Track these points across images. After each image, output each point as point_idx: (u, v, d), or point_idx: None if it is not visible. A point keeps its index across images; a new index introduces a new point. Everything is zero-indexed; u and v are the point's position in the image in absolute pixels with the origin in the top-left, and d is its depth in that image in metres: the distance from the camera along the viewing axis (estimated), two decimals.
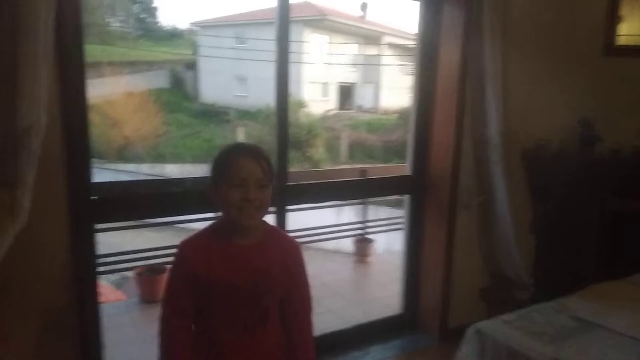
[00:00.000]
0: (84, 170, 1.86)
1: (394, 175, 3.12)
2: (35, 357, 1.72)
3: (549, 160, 2.78)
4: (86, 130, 1.87)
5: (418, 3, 2.74)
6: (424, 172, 2.87)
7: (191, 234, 1.38)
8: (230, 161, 1.29)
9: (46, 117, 1.44)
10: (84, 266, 1.83)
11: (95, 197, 1.91)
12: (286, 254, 1.39)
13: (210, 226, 1.38)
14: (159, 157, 15.46)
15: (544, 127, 2.88)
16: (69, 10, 1.75)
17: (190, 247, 1.33)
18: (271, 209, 2.45)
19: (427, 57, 2.76)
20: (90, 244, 1.92)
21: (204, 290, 1.29)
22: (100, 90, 14.36)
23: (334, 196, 3.06)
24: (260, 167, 1.28)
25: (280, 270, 1.35)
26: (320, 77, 20.17)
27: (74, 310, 1.78)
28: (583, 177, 2.70)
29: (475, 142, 2.75)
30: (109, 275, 5.86)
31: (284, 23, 2.31)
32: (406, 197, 2.97)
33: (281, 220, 2.48)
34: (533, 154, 2.80)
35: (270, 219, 2.46)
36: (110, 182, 3.01)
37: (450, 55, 2.67)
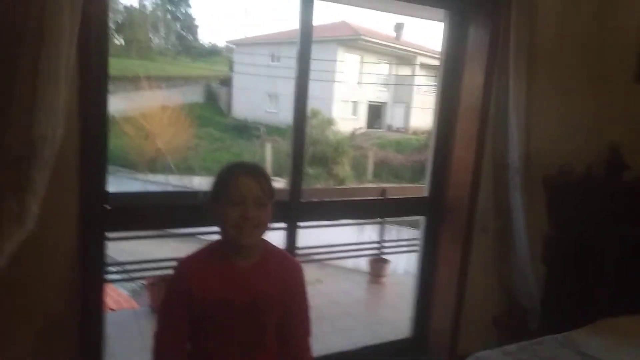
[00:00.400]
0: (99, 179, 1.91)
1: (411, 196, 3.08)
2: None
3: (572, 187, 2.69)
4: (104, 140, 1.91)
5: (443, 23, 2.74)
6: (442, 193, 2.82)
7: (191, 251, 1.39)
8: (229, 179, 1.30)
9: (63, 129, 1.49)
10: (92, 273, 1.87)
11: (108, 206, 1.96)
12: (287, 274, 1.37)
13: (210, 245, 1.38)
14: (188, 170, 15.78)
15: (569, 152, 2.79)
16: (94, 24, 1.82)
17: (187, 265, 1.33)
18: (282, 225, 2.48)
19: (450, 77, 2.74)
20: (100, 252, 1.95)
21: (200, 310, 1.27)
22: (138, 103, 14.87)
23: (349, 215, 3.04)
24: (259, 186, 1.28)
25: (280, 291, 1.34)
26: (351, 95, 20.29)
27: (77, 316, 1.80)
28: (608, 206, 2.60)
29: (495, 165, 2.69)
30: (127, 284, 5.97)
31: (305, 42, 2.33)
32: (422, 219, 2.92)
33: (291, 236, 2.47)
34: (555, 180, 2.71)
35: (279, 235, 2.49)
36: (126, 192, 3.08)
37: (474, 76, 2.64)
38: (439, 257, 2.84)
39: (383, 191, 4.23)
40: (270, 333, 1.35)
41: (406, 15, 3.95)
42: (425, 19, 3.64)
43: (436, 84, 2.91)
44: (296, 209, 2.45)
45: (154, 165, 15.36)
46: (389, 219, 5.23)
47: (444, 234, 2.82)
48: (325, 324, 3.48)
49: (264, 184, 1.30)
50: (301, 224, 2.50)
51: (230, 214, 1.25)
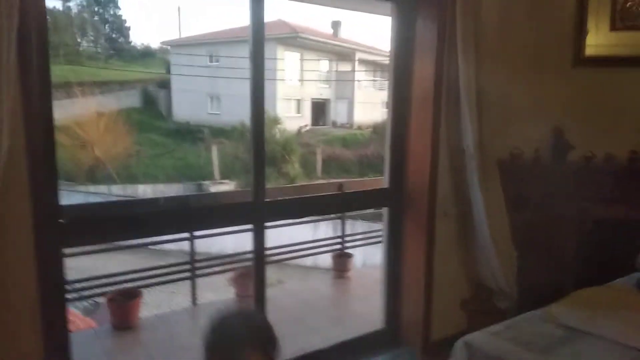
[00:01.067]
0: (51, 193, 1.78)
1: (371, 189, 3.11)
2: None
3: (523, 170, 2.82)
4: (52, 151, 1.80)
5: (390, 18, 2.77)
6: (402, 184, 2.86)
7: None
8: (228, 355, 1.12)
9: (8, 140, 1.37)
10: (52, 292, 1.74)
11: (63, 221, 1.82)
12: None
13: None
14: (131, 178, 15.15)
15: (518, 137, 2.92)
16: (33, 28, 1.69)
17: None
18: (249, 226, 2.43)
19: (401, 70, 2.78)
20: (59, 269, 1.83)
21: None
22: (70, 111, 14.07)
23: (312, 211, 3.02)
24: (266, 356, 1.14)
25: None
26: (294, 93, 20.29)
27: (42, 338, 1.67)
28: (558, 185, 2.74)
29: (451, 152, 2.77)
30: (78, 303, 5.64)
31: (258, 40, 2.28)
32: (384, 210, 2.95)
33: (260, 237, 2.42)
34: (508, 163, 2.83)
35: (247, 236, 2.44)
36: (79, 204, 2.89)
37: (424, 68, 2.70)
38: (405, 246, 2.89)
39: (340, 186, 4.24)
40: None
41: (352, 9, 3.97)
42: (371, 13, 3.69)
43: (387, 78, 2.94)
44: (261, 209, 2.40)
45: (93, 176, 14.61)
46: (347, 214, 5.25)
47: (407, 223, 2.87)
48: (296, 324, 3.44)
49: (269, 349, 1.16)
50: (267, 224, 2.46)
51: None
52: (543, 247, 2.70)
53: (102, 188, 14.13)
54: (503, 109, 2.89)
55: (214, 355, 1.15)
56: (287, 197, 2.75)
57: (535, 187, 2.77)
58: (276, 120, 16.71)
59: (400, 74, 2.79)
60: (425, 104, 2.72)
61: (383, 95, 22.02)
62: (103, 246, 4.73)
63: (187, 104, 20.13)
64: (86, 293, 3.76)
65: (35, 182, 1.66)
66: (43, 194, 1.70)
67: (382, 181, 2.99)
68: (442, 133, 2.73)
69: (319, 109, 21.98)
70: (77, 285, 3.55)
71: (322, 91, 21.87)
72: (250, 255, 4.42)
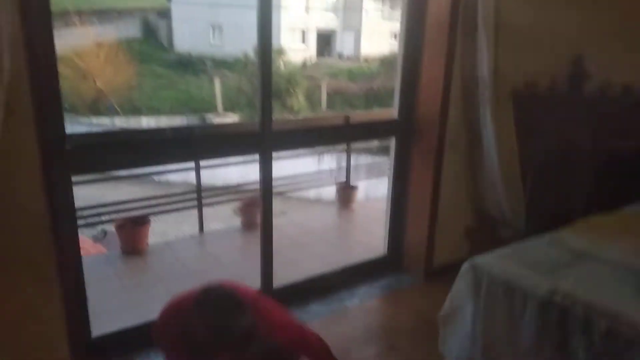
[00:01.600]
0: (56, 120, 1.75)
1: (380, 120, 3.05)
2: (20, 309, 1.67)
3: (538, 100, 2.74)
4: (56, 79, 1.75)
5: None
6: (411, 114, 2.81)
7: None
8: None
9: (10, 63, 1.32)
10: (63, 218, 1.76)
11: (69, 147, 1.81)
12: None
13: None
14: (134, 110, 15.00)
15: (534, 66, 2.82)
16: None
17: None
18: (256, 157, 2.42)
19: None
20: (68, 196, 1.84)
21: None
22: (69, 41, 13.65)
23: (319, 141, 2.99)
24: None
25: None
26: (299, 23, 19.49)
27: (55, 263, 1.72)
28: (572, 116, 2.68)
29: (464, 82, 2.69)
30: (87, 231, 5.80)
31: None
32: (393, 140, 2.92)
33: (267, 166, 2.41)
34: (522, 93, 2.75)
35: (254, 167, 2.44)
36: (85, 133, 2.86)
37: None
38: (411, 176, 2.88)
39: (347, 119, 4.19)
40: None
41: None
42: None
43: (395, 6, 2.80)
44: (268, 139, 2.37)
45: (96, 108, 14.47)
46: (352, 147, 5.22)
47: (415, 153, 2.85)
48: (301, 251, 3.53)
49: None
50: (274, 154, 2.44)
51: None
52: (554, 179, 2.69)
53: (105, 120, 14.05)
54: (520, 37, 2.77)
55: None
56: (294, 128, 2.70)
57: (549, 118, 2.71)
58: (280, 52, 16.19)
59: (415, 1, 2.64)
60: (439, 32, 2.60)
61: (392, 26, 21.18)
62: (109, 175, 4.78)
63: (188, 35, 19.45)
64: (96, 220, 3.83)
65: (39, 108, 1.62)
66: (48, 121, 1.67)
67: (390, 114, 2.94)
68: (456, 62, 2.63)
69: (325, 40, 21.22)
70: (87, 212, 3.61)
71: (329, 21, 21.00)
72: (255, 186, 4.50)
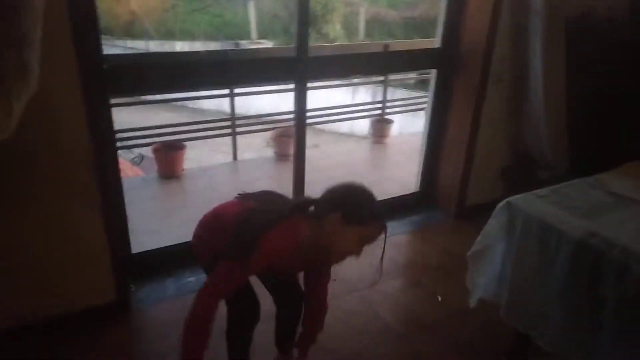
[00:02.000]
0: (93, 39, 1.73)
1: (421, 49, 2.90)
2: (63, 224, 1.76)
3: (594, 31, 2.53)
4: None
5: None
6: (455, 44, 2.65)
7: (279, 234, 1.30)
8: (376, 224, 1.29)
9: None
10: (103, 138, 1.79)
11: (106, 67, 1.80)
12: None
13: (294, 233, 1.31)
14: (168, 34, 14.82)
15: None
16: None
17: (275, 249, 1.29)
18: (290, 86, 2.36)
19: None
20: (107, 116, 1.86)
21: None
22: None
23: (357, 70, 2.87)
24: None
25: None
26: None
27: (97, 182, 1.78)
28: (631, 50, 2.47)
29: (514, 10, 2.49)
30: (124, 154, 5.96)
31: None
32: (433, 73, 2.79)
33: (302, 96, 2.36)
34: (577, 23, 2.53)
35: (289, 96, 2.39)
36: (121, 54, 2.84)
37: None
38: (450, 111, 2.78)
39: (386, 47, 4.01)
40: None
41: None
42: None
43: None
44: (305, 65, 2.29)
45: (131, 30, 14.36)
46: (388, 79, 5.04)
47: (456, 87, 2.72)
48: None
49: None
50: (310, 84, 2.38)
51: (355, 247, 1.29)
52: (601, 121, 2.54)
53: (139, 43, 13.97)
54: None
55: (363, 213, 1.28)
56: (331, 54, 2.61)
57: (603, 53, 2.51)
58: None
59: None
60: None
61: None
62: (145, 100, 4.82)
63: None
64: (133, 143, 3.93)
65: (77, 27, 1.60)
66: (85, 40, 1.65)
67: (431, 44, 2.78)
68: None
69: None
70: (125, 135, 3.69)
71: None
72: (288, 117, 4.47)
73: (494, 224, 1.56)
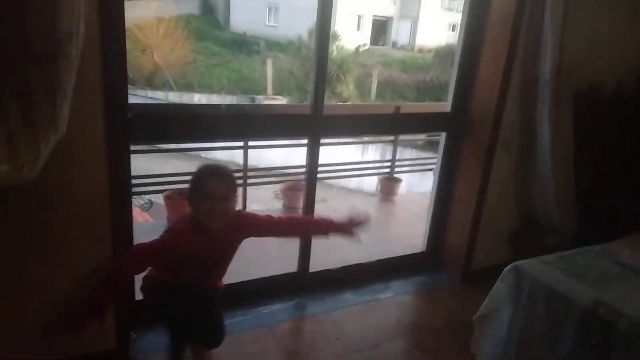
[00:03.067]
0: (121, 89, 1.82)
1: (432, 112, 3.00)
2: (74, 263, 1.78)
3: (601, 104, 2.61)
4: (123, 48, 1.80)
5: None
6: (465, 110, 2.74)
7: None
8: (202, 180, 1.66)
9: (84, 26, 1.39)
10: (120, 184, 1.84)
11: (130, 115, 1.88)
12: (240, 223, 1.79)
13: (191, 218, 1.70)
14: (187, 86, 15.40)
15: (601, 67, 2.69)
16: None
17: (179, 231, 1.70)
18: (304, 140, 2.45)
19: None
20: (126, 163, 1.92)
21: (182, 258, 1.67)
22: (131, 13, 14.13)
23: (369, 130, 2.96)
24: (225, 185, 1.66)
25: (239, 237, 1.81)
26: (356, 9, 19.29)
27: (109, 226, 1.81)
28: (638, 123, 2.54)
29: (524, 80, 2.59)
30: (135, 200, 6.02)
31: None
32: (443, 135, 2.87)
33: (315, 151, 2.43)
34: (585, 95, 2.63)
35: (302, 151, 2.46)
36: (144, 103, 2.98)
37: None
38: (458, 173, 2.83)
39: (398, 108, 4.14)
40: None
41: None
42: None
43: None
44: (319, 123, 2.38)
45: (152, 81, 14.97)
46: (398, 139, 5.16)
47: (465, 150, 2.78)
48: (339, 238, 3.54)
49: (229, 183, 1.68)
50: (323, 140, 2.46)
51: (203, 207, 1.63)
52: (610, 189, 2.57)
53: (160, 94, 14.50)
54: (587, 37, 2.64)
55: (194, 182, 1.67)
56: (345, 114, 2.70)
57: (611, 124, 2.58)
58: (334, 37, 16.12)
59: None
60: (503, 26, 2.51)
61: (451, 17, 20.60)
62: (159, 148, 4.95)
63: (245, 14, 19.72)
64: (144, 189, 4.00)
65: (107, 75, 1.68)
66: (114, 88, 1.74)
67: (441, 107, 2.87)
68: (517, 58, 2.54)
69: (380, 27, 20.94)
70: (139, 181, 3.77)
71: (386, 8, 20.68)
72: (297, 170, 4.55)
73: (501, 287, 1.56)
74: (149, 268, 1.77)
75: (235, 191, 1.72)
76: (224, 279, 1.92)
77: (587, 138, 2.60)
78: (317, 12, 2.23)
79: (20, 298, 1.73)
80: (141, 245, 1.68)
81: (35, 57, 1.25)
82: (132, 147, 2.01)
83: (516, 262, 1.51)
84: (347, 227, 1.89)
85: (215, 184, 1.64)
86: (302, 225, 2.05)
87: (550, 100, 2.50)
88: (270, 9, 19.76)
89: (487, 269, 2.58)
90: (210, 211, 1.62)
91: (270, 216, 1.87)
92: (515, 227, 2.91)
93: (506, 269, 1.54)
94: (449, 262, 2.94)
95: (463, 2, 2.66)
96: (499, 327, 1.57)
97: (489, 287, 1.64)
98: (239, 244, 1.82)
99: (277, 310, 2.47)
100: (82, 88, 1.51)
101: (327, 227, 1.89)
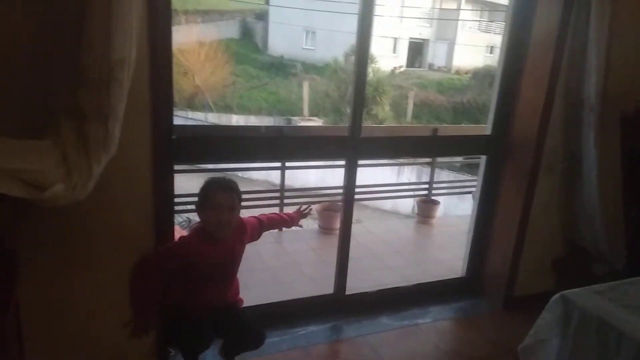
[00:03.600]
0: (167, 111, 1.90)
1: (471, 135, 2.96)
2: (120, 280, 1.84)
3: None
4: (170, 71, 1.89)
5: None
6: (506, 132, 2.69)
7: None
8: (210, 192, 1.82)
9: (136, 53, 1.46)
10: (164, 203, 1.90)
11: (175, 137, 1.96)
12: (243, 229, 1.98)
13: (198, 229, 1.88)
14: (226, 108, 15.82)
15: None
16: None
17: (188, 241, 1.88)
18: (342, 162, 2.46)
19: (521, 12, 2.53)
20: (170, 183, 1.98)
21: (193, 267, 1.84)
22: (174, 38, 14.71)
23: (407, 152, 2.95)
24: (231, 197, 1.81)
25: (243, 242, 1.99)
26: (392, 31, 19.43)
27: (153, 242, 1.87)
28: None
29: (567, 103, 2.53)
30: (175, 218, 6.16)
31: None
32: (483, 158, 2.82)
33: (352, 173, 2.44)
34: (631, 118, 2.54)
35: (339, 172, 2.47)
36: (187, 125, 3.09)
37: (549, 8, 2.43)
38: (500, 197, 2.76)
39: (435, 130, 4.11)
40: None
41: None
42: None
43: (504, 16, 2.69)
44: (357, 145, 2.39)
45: (192, 103, 15.47)
46: (435, 162, 5.11)
47: (506, 174, 2.72)
48: (375, 260, 3.52)
49: (234, 195, 1.83)
50: (361, 161, 2.46)
51: (211, 218, 1.80)
52: None
53: (199, 115, 14.95)
54: (633, 59, 2.56)
55: (202, 194, 1.84)
56: (383, 136, 2.71)
57: None
58: (370, 59, 16.26)
59: (520, 16, 2.54)
60: (545, 49, 2.47)
61: (488, 38, 20.42)
62: (198, 168, 5.08)
63: (282, 38, 20.19)
64: (186, 208, 4.09)
65: (155, 97, 1.76)
66: (161, 110, 1.81)
67: (479, 130, 2.83)
68: (560, 81, 2.49)
69: (416, 49, 20.98)
70: (179, 200, 3.86)
71: (422, 30, 20.73)
72: (333, 191, 4.55)
73: (548, 317, 1.50)
74: (167, 294, 1.88)
75: (240, 202, 1.86)
76: (241, 295, 2.11)
77: (637, 162, 2.49)
78: (357, 36, 2.27)
79: (63, 316, 1.79)
80: (150, 252, 1.83)
81: (89, 83, 1.32)
82: (175, 167, 2.08)
83: (564, 292, 1.45)
84: (297, 219, 2.22)
85: (221, 195, 1.78)
86: (275, 221, 2.21)
87: (596, 124, 2.42)
88: (307, 32, 20.16)
89: (530, 296, 2.50)
90: (218, 221, 1.78)
91: (258, 218, 2.10)
92: (559, 253, 2.81)
93: (553, 298, 1.48)
94: (489, 288, 2.86)
95: (503, 24, 2.64)
96: (547, 359, 1.50)
97: (531, 315, 1.58)
98: (244, 249, 1.99)
99: (313, 332, 2.45)
100: (131, 110, 1.57)
101: (290, 221, 2.20)
